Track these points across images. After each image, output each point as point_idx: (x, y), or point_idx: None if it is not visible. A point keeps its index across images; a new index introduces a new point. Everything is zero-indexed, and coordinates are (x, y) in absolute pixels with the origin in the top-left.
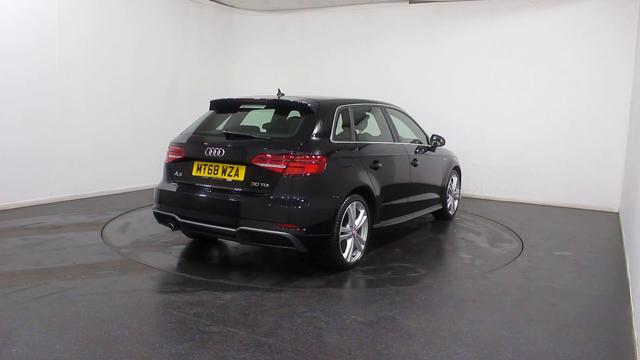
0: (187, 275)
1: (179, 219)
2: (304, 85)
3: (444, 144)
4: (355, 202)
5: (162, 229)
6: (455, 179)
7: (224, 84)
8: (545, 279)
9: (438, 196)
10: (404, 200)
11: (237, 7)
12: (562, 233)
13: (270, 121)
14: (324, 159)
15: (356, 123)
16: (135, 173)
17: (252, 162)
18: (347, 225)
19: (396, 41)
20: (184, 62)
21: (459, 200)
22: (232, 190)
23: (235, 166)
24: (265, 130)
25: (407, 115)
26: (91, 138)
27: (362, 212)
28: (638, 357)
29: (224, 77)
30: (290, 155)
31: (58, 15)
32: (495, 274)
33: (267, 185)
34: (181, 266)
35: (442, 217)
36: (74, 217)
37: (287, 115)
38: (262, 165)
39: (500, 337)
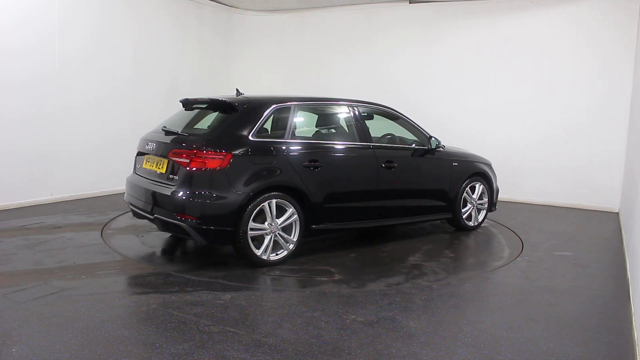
0: (187, 276)
1: (130, 205)
2: (304, 85)
3: (439, 147)
4: (275, 200)
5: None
6: (479, 186)
7: (223, 84)
8: (545, 279)
9: (443, 204)
10: (368, 204)
11: (237, 7)
12: (562, 233)
13: (204, 119)
14: (229, 155)
15: (304, 122)
16: None
17: (169, 156)
18: (266, 223)
19: (396, 41)
20: (183, 62)
21: (487, 210)
22: (157, 181)
23: (162, 160)
24: (196, 127)
25: (402, 117)
26: (91, 138)
27: (289, 210)
28: (638, 357)
29: (224, 77)
30: (195, 150)
31: (58, 16)
32: (495, 274)
33: (177, 177)
34: (182, 266)
35: (460, 228)
36: (74, 217)
37: (218, 114)
38: (174, 159)
39: (500, 337)
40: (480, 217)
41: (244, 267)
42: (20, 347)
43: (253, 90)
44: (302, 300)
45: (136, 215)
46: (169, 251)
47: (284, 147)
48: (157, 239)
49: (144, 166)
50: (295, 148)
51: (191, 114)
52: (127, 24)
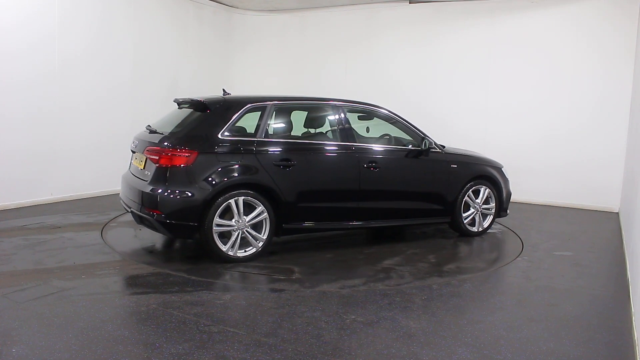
0: (187, 275)
1: (120, 201)
2: (304, 85)
3: (432, 147)
4: (242, 198)
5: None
6: (484, 190)
7: (223, 84)
8: (545, 279)
9: (440, 207)
10: (346, 205)
11: (237, 7)
12: (562, 233)
13: (185, 118)
14: (195, 153)
15: (282, 121)
16: None
17: (144, 153)
18: (233, 220)
19: (396, 41)
20: (183, 62)
21: (496, 215)
22: (138, 177)
23: (142, 157)
24: (176, 126)
25: (396, 117)
26: (91, 138)
27: (258, 208)
28: (638, 357)
29: (224, 77)
30: (163, 147)
31: (58, 16)
32: (495, 274)
33: (149, 173)
34: (182, 266)
35: (463, 233)
36: (74, 217)
37: (195, 113)
38: (148, 156)
39: (500, 337)
40: (486, 223)
41: (213, 262)
42: (20, 347)
43: (252, 90)
44: (301, 300)
45: (125, 210)
46: (168, 250)
47: (254, 146)
48: (156, 237)
49: (133, 163)
50: (266, 147)
51: (177, 113)
52: (127, 24)
